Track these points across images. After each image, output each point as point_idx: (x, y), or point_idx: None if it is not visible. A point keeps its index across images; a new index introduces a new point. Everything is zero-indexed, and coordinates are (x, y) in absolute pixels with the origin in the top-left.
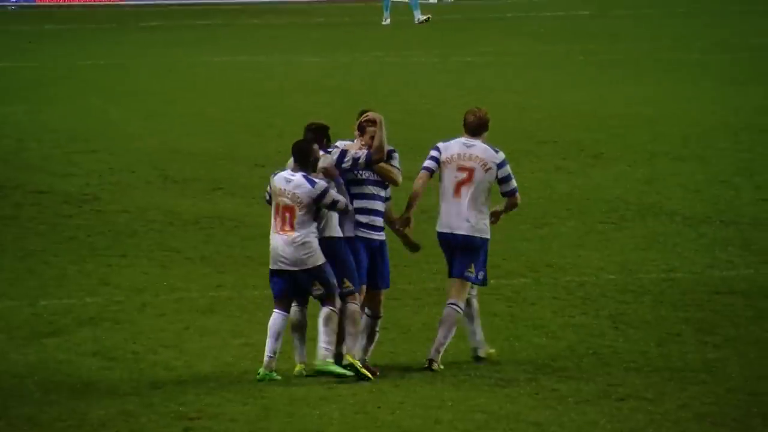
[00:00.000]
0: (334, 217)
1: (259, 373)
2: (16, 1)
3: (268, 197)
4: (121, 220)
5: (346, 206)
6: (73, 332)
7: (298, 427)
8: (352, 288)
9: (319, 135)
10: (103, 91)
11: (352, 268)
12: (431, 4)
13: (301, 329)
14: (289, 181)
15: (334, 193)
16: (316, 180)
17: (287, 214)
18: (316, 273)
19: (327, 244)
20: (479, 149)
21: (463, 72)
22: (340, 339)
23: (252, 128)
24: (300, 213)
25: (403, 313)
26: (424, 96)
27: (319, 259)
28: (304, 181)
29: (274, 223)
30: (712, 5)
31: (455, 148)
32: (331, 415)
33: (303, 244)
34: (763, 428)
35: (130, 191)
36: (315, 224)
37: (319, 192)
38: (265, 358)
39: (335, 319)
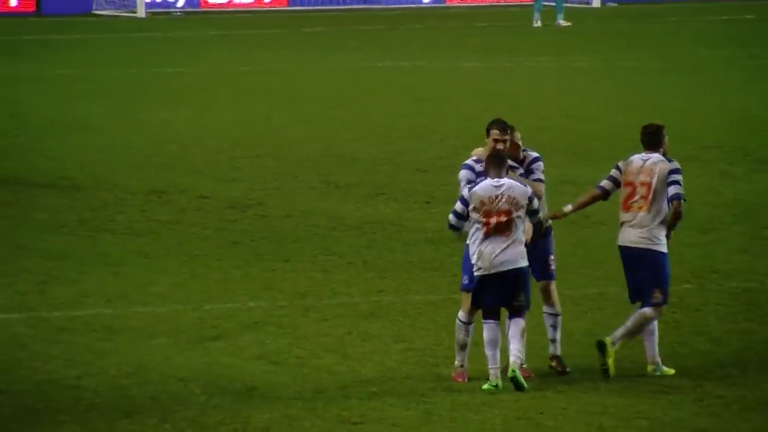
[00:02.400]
0: None
1: (496, 386)
2: (181, 8)
3: (458, 216)
4: (284, 225)
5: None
6: (237, 336)
7: None
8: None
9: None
10: (266, 97)
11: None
12: (594, 8)
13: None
14: (499, 186)
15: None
16: (524, 183)
17: (503, 219)
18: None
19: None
20: None
21: (625, 77)
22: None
23: (414, 133)
24: (516, 215)
25: (564, 319)
26: (587, 101)
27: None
28: (515, 182)
29: (484, 232)
30: None
31: None
32: (493, 420)
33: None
34: None
35: (293, 196)
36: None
37: (530, 193)
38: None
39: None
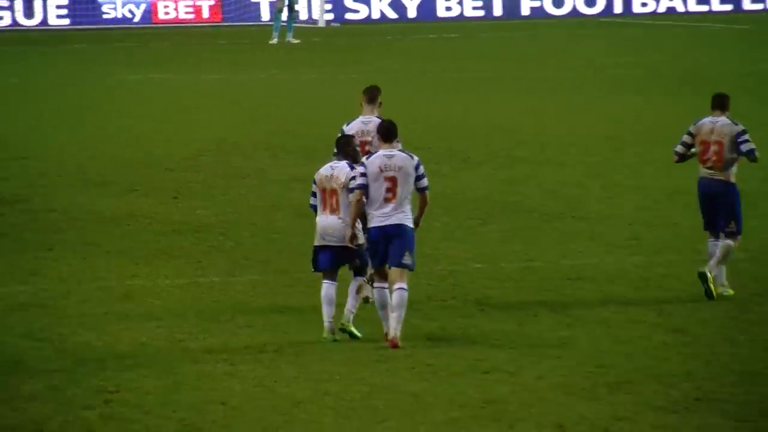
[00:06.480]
0: None
1: (324, 338)
2: None
3: (313, 195)
4: (48, 218)
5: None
6: (6, 317)
7: (205, 399)
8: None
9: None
10: (34, 106)
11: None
12: (320, 27)
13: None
14: (333, 168)
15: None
16: (355, 166)
17: (333, 198)
18: (356, 249)
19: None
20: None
21: (348, 88)
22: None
23: (163, 137)
24: (343, 195)
25: (297, 298)
26: (315, 109)
27: (360, 238)
28: (345, 166)
29: (322, 207)
30: (571, 29)
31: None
32: (233, 388)
33: (347, 224)
34: (608, 396)
35: (56, 193)
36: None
37: (352, 172)
38: (327, 324)
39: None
